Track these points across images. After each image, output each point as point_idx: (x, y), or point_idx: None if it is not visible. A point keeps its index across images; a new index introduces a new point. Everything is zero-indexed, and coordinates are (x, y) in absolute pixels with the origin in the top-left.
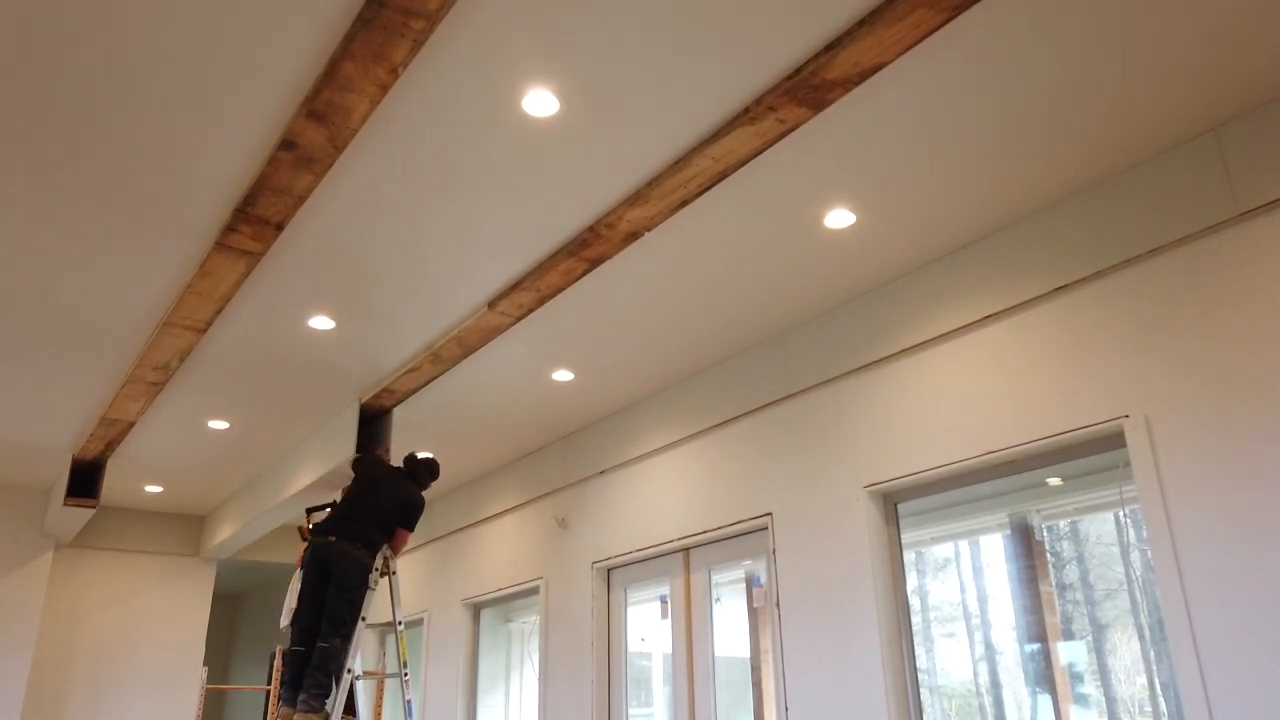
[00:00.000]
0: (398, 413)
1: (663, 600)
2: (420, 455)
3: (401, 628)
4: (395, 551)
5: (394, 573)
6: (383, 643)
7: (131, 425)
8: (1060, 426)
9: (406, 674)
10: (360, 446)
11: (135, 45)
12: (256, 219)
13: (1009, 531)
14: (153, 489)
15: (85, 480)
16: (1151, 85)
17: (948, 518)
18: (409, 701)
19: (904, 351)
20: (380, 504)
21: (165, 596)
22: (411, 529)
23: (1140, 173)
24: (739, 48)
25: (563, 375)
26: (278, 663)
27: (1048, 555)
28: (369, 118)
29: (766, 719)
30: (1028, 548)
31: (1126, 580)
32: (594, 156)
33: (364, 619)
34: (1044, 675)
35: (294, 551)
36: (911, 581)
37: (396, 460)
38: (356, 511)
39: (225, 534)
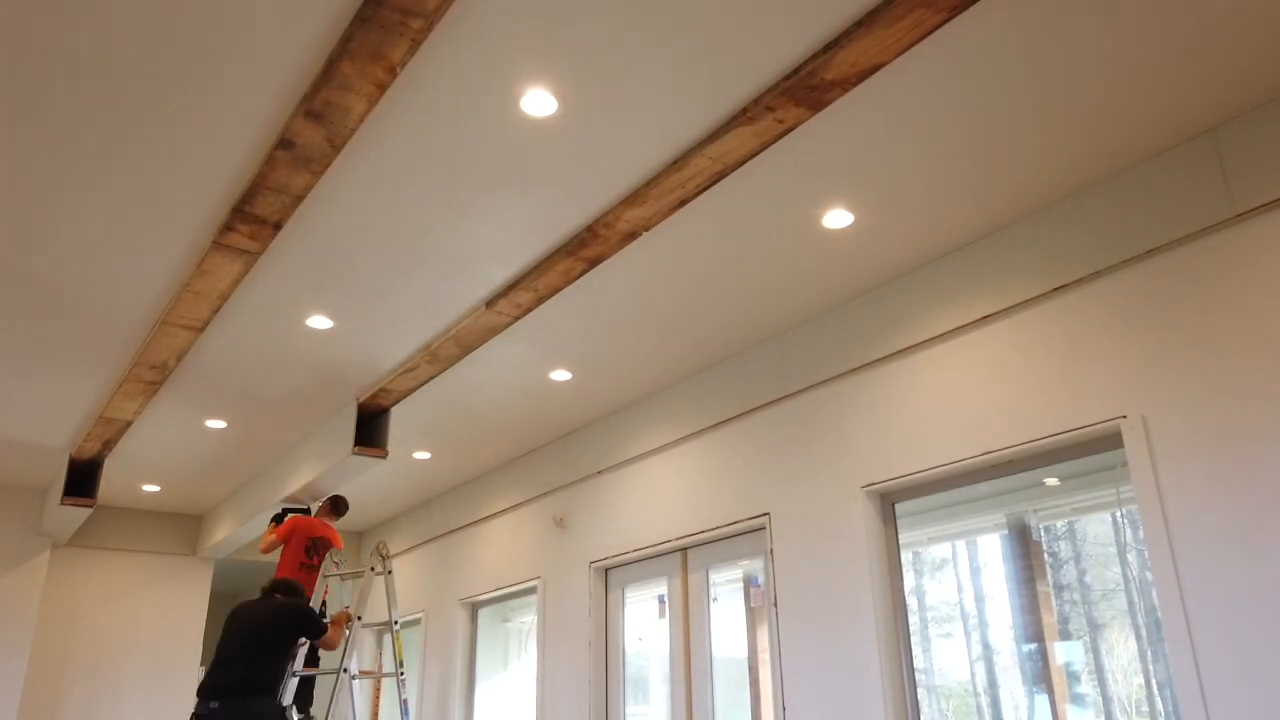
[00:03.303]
0: (396, 412)
1: (660, 600)
2: (273, 581)
3: (398, 627)
4: (328, 647)
5: (389, 571)
6: (379, 642)
7: (129, 424)
8: (1057, 427)
9: (403, 673)
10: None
11: (132, 44)
12: (254, 218)
13: (1006, 532)
14: (150, 488)
15: (82, 479)
16: (1149, 86)
17: (945, 518)
18: (405, 701)
19: (902, 352)
20: (251, 634)
21: (162, 596)
22: (316, 633)
23: (1137, 173)
24: (737, 47)
25: (561, 375)
26: None
27: (1045, 555)
28: (367, 117)
29: (764, 719)
30: (1025, 548)
31: (1123, 580)
32: (592, 156)
33: None
34: (1041, 675)
35: None
36: (909, 581)
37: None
38: (229, 658)
39: (223, 533)
